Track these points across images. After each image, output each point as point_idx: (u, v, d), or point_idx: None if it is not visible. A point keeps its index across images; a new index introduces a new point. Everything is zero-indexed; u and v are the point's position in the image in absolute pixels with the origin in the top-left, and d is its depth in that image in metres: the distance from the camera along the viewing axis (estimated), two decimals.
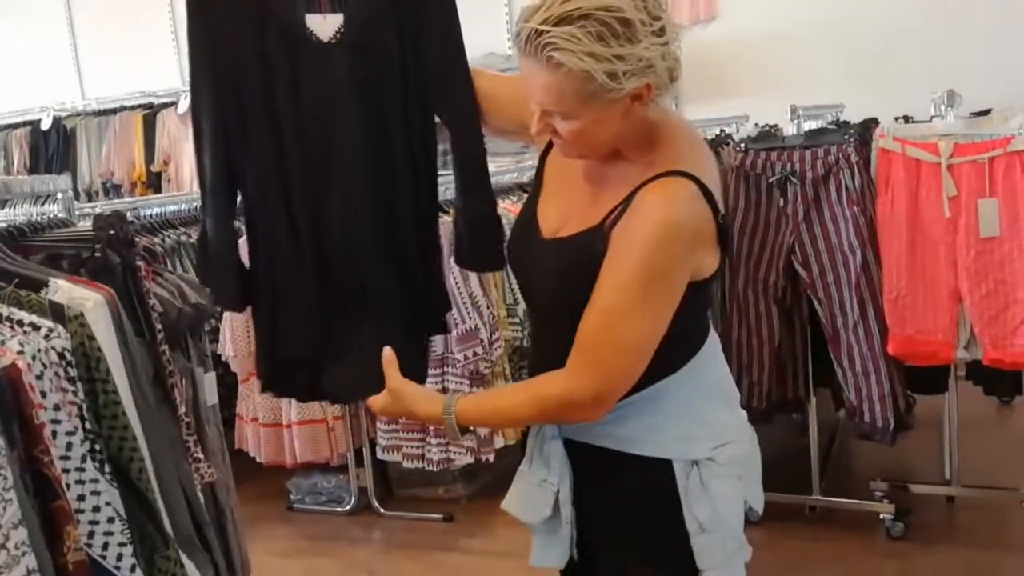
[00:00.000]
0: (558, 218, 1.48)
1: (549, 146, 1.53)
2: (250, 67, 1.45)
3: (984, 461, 3.50)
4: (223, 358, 3.40)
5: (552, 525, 1.52)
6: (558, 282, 1.45)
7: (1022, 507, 3.12)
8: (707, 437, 1.48)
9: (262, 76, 1.45)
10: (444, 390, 3.22)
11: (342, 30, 1.47)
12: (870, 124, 3.40)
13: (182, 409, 1.54)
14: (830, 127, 3.53)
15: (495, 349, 3.32)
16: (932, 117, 3.12)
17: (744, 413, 1.60)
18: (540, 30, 1.25)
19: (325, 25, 1.46)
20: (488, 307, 3.31)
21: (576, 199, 1.47)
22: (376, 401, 1.52)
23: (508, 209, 3.37)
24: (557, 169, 1.53)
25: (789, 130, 3.38)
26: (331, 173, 1.51)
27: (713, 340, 1.55)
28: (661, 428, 1.46)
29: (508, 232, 1.63)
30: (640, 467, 1.47)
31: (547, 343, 1.54)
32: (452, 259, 1.81)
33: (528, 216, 1.53)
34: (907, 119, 3.50)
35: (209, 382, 1.76)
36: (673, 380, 1.45)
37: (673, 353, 1.43)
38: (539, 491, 1.51)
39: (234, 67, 1.45)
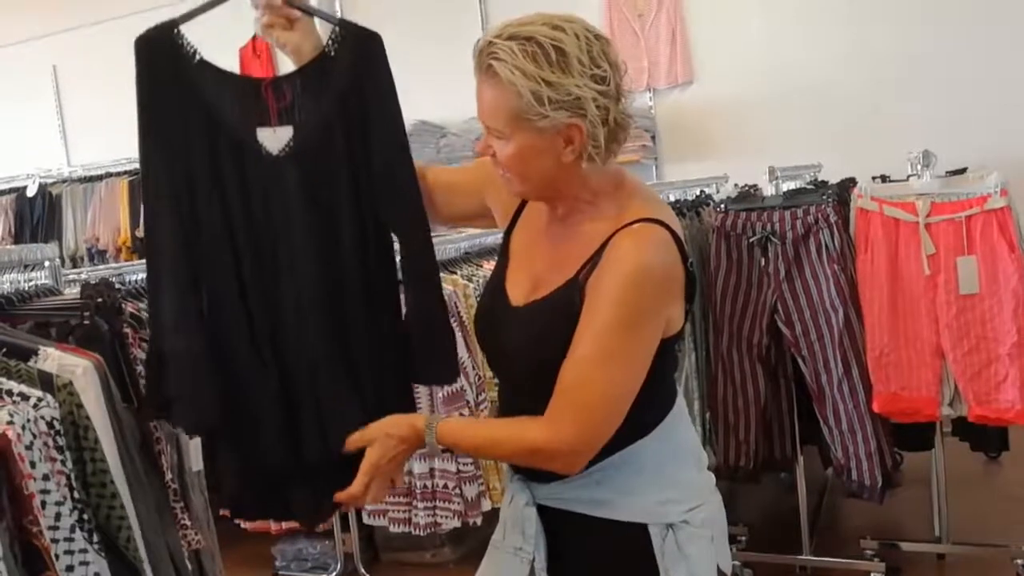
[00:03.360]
0: (527, 285, 1.49)
1: (513, 222, 1.58)
2: (202, 179, 1.42)
3: (973, 518, 3.50)
4: None
5: None
6: (535, 345, 1.43)
7: (1012, 564, 3.11)
8: (680, 499, 1.48)
9: (214, 188, 1.43)
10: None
11: (291, 143, 1.46)
12: (848, 184, 3.47)
13: (168, 475, 1.53)
14: (808, 187, 3.59)
15: (481, 410, 3.31)
16: (909, 176, 3.18)
17: (711, 475, 1.60)
18: (491, 42, 1.34)
19: (275, 138, 1.46)
20: (474, 368, 3.30)
21: (545, 264, 1.48)
22: (361, 474, 1.44)
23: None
24: (523, 242, 1.56)
25: (768, 190, 3.43)
26: (286, 285, 1.47)
27: (680, 402, 1.56)
28: (636, 491, 1.45)
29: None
30: (616, 532, 1.46)
31: (522, 407, 1.46)
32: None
33: (495, 288, 1.54)
34: (884, 178, 3.56)
35: (194, 448, 1.75)
36: (645, 443, 1.46)
37: (644, 416, 1.44)
38: (514, 560, 1.49)
39: (187, 179, 1.42)
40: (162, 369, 1.42)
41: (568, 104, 1.32)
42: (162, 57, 1.41)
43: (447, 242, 3.28)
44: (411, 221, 1.55)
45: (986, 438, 3.55)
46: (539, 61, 1.31)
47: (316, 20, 1.53)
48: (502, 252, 1.59)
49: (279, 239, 1.46)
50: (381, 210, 1.53)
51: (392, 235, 1.57)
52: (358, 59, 1.49)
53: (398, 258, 1.59)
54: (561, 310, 1.40)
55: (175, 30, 1.43)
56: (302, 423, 1.49)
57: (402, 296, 1.59)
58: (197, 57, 1.45)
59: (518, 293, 1.50)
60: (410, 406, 1.63)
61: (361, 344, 1.52)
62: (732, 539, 3.39)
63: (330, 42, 1.50)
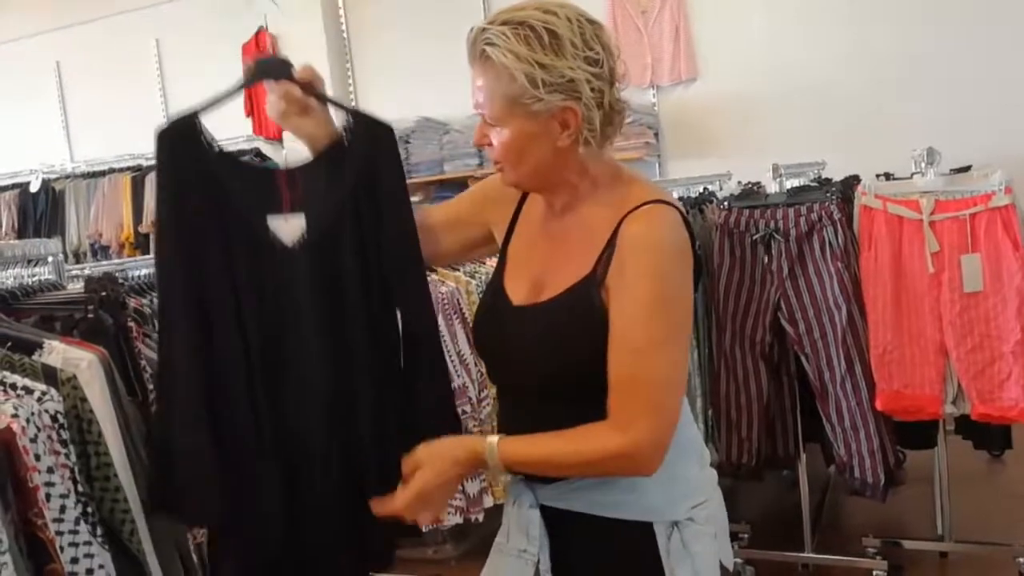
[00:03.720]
0: (528, 285, 1.48)
1: (510, 231, 1.57)
2: (215, 269, 1.42)
3: (976, 516, 3.50)
4: None
5: None
6: (550, 346, 1.41)
7: (1015, 563, 3.10)
8: (685, 496, 1.48)
9: (226, 278, 1.43)
10: None
11: (304, 233, 1.46)
12: (852, 181, 3.46)
13: None
14: (812, 185, 3.58)
15: (483, 407, 3.31)
16: (913, 174, 3.18)
17: (714, 471, 1.60)
18: (484, 28, 1.35)
19: (288, 227, 1.46)
20: (476, 364, 3.30)
21: (548, 263, 1.47)
22: (409, 490, 1.40)
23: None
24: (520, 245, 1.55)
25: (772, 188, 3.43)
26: (293, 376, 1.46)
27: (683, 400, 1.56)
28: (640, 490, 1.44)
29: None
30: (621, 532, 1.46)
31: (530, 417, 1.45)
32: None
33: (494, 291, 1.53)
34: (888, 176, 3.56)
35: None
36: None
37: None
38: (518, 562, 1.48)
39: (201, 268, 1.41)
40: (168, 464, 1.38)
41: (562, 87, 1.33)
42: (182, 148, 1.42)
43: None
44: (416, 303, 1.55)
45: (989, 436, 3.54)
46: (532, 44, 1.32)
47: (331, 108, 1.54)
48: (500, 259, 1.58)
49: (288, 329, 1.46)
50: (390, 298, 1.53)
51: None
52: (371, 150, 1.50)
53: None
54: (578, 309, 1.38)
55: (196, 121, 1.44)
56: (306, 514, 1.47)
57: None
58: (216, 148, 1.46)
59: (519, 294, 1.49)
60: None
61: (368, 436, 1.51)
62: (734, 536, 3.39)
63: (344, 131, 1.51)
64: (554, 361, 1.40)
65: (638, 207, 1.38)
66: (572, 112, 1.35)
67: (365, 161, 1.49)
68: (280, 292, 1.45)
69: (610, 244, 1.38)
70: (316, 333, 1.46)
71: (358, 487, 1.48)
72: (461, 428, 1.63)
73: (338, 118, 1.53)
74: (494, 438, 1.39)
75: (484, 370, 3.34)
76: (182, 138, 1.42)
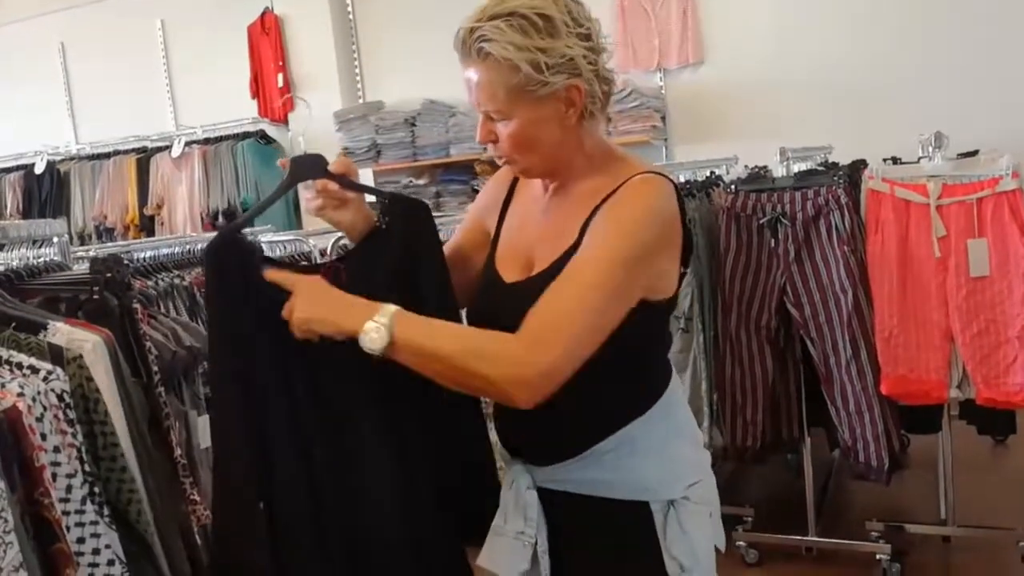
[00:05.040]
0: (521, 262, 1.49)
1: (501, 217, 1.58)
2: (267, 373, 1.42)
3: (980, 501, 3.50)
4: None
5: None
6: None
7: (1018, 547, 3.11)
8: (680, 476, 1.49)
9: (279, 380, 1.43)
10: None
11: None
12: (859, 166, 3.44)
13: (178, 451, 1.53)
14: (819, 169, 3.56)
15: None
16: (920, 158, 3.17)
17: (708, 453, 1.60)
18: (473, 27, 1.35)
19: None
20: None
21: (540, 240, 1.48)
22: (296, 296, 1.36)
23: None
24: (511, 227, 1.56)
25: (778, 172, 3.42)
26: (355, 469, 1.47)
27: (676, 380, 1.56)
28: (637, 470, 1.45)
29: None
30: (617, 511, 1.46)
31: None
32: None
33: (487, 273, 1.54)
34: (895, 160, 3.54)
35: (202, 425, 1.75)
36: (644, 421, 1.45)
37: (643, 393, 1.45)
38: (516, 544, 1.49)
39: (253, 375, 1.42)
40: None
41: (564, 67, 1.35)
42: (228, 261, 1.43)
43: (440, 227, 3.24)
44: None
45: (994, 421, 3.54)
46: (528, 32, 1.33)
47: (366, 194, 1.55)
48: (492, 244, 1.58)
49: (345, 424, 1.46)
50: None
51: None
52: (409, 230, 1.51)
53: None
54: None
55: (238, 234, 1.46)
56: None
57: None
58: (258, 254, 1.49)
59: (511, 272, 1.49)
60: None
61: (427, 522, 1.51)
62: (738, 520, 3.41)
63: (380, 215, 1.52)
64: None
65: (631, 177, 1.40)
66: (576, 89, 1.37)
67: (405, 243, 1.50)
68: (333, 386, 1.45)
69: (595, 211, 1.39)
70: (373, 428, 1.47)
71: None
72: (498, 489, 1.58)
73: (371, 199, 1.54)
74: (394, 311, 1.30)
75: None
76: (227, 252, 1.43)
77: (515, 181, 1.60)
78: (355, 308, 1.32)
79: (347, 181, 1.48)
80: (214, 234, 1.49)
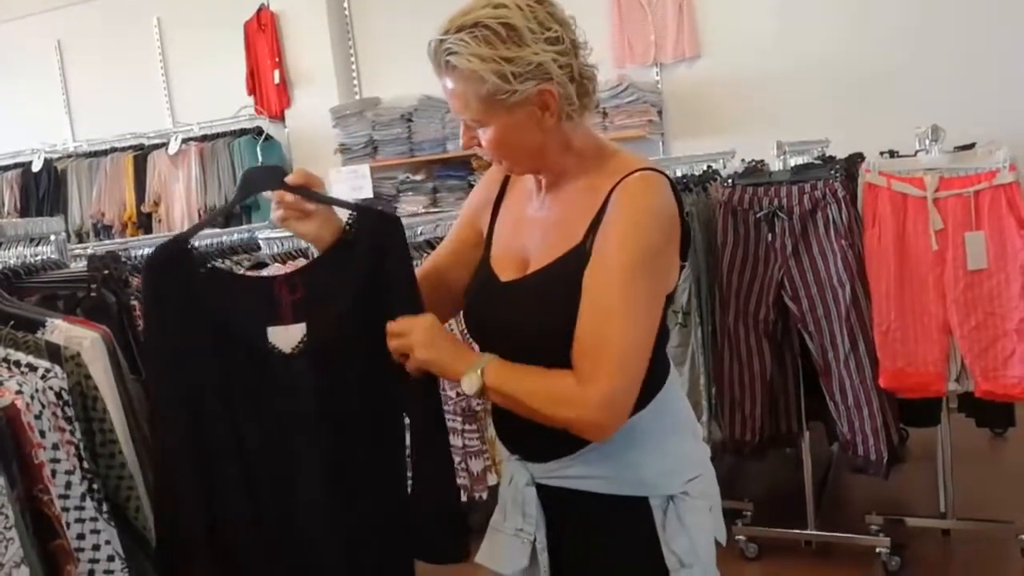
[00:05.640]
0: (518, 260, 1.49)
1: (493, 217, 1.58)
2: (210, 391, 1.38)
3: (979, 494, 3.50)
4: None
5: (528, 575, 1.50)
6: (537, 314, 1.42)
7: (1018, 540, 3.11)
8: (680, 471, 1.49)
9: (222, 397, 1.39)
10: None
11: (304, 339, 1.42)
12: (856, 159, 3.45)
13: None
14: (816, 162, 3.57)
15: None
16: (917, 151, 3.16)
17: (707, 447, 1.60)
18: (441, 39, 1.35)
19: (287, 336, 1.42)
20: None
21: (535, 239, 1.48)
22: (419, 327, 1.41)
23: None
24: (504, 227, 1.56)
25: (775, 166, 3.42)
26: (296, 489, 1.43)
27: (674, 374, 1.56)
28: (636, 465, 1.45)
29: None
30: (617, 507, 1.46)
31: None
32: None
33: (482, 273, 1.54)
34: (892, 154, 3.54)
35: None
36: (643, 416, 1.45)
37: (641, 387, 1.43)
38: (515, 541, 1.49)
39: (195, 394, 1.38)
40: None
41: (532, 73, 1.34)
42: (169, 276, 1.38)
43: (424, 223, 3.19)
44: (423, 412, 1.51)
45: (992, 414, 3.54)
46: (492, 42, 1.33)
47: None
48: (486, 244, 1.58)
49: (289, 440, 1.42)
50: (397, 402, 1.51)
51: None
52: (379, 246, 1.45)
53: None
54: (567, 277, 1.38)
55: (183, 246, 1.41)
56: None
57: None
58: (205, 268, 1.43)
59: (507, 271, 1.49)
60: None
61: (368, 544, 1.49)
62: (737, 514, 3.41)
63: (348, 227, 1.47)
64: (545, 329, 1.40)
65: (628, 175, 1.39)
66: (549, 93, 1.37)
67: (371, 259, 1.45)
68: (280, 402, 1.41)
69: (601, 212, 1.39)
70: (313, 442, 1.42)
71: None
72: (460, 533, 1.56)
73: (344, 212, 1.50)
74: (486, 361, 1.39)
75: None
76: (168, 265, 1.39)
77: (507, 179, 1.60)
78: (461, 355, 1.42)
79: (307, 192, 1.44)
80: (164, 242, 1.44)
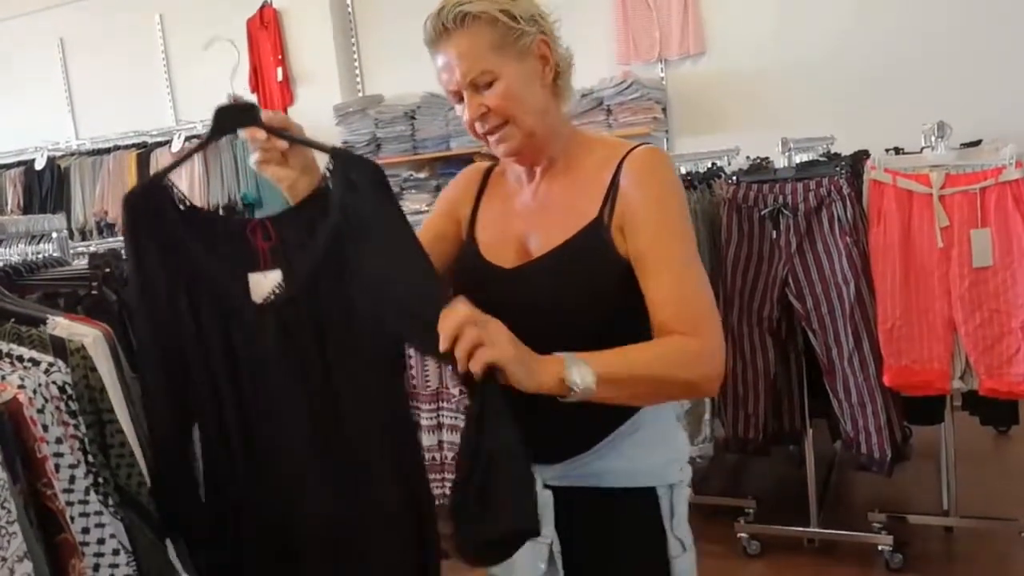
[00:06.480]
0: (515, 249, 1.48)
1: (473, 217, 1.58)
2: (188, 335, 1.33)
3: (982, 491, 3.50)
4: None
5: None
6: (563, 292, 1.41)
7: (1021, 538, 3.11)
8: (678, 459, 1.53)
9: (198, 343, 1.33)
10: (439, 425, 3.20)
11: (279, 288, 1.34)
12: (861, 156, 3.44)
13: None
14: (821, 159, 3.56)
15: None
16: (922, 148, 3.15)
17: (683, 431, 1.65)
18: (445, 2, 1.42)
19: (263, 284, 1.34)
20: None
21: (533, 226, 1.48)
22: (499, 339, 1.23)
23: None
24: (493, 221, 1.55)
25: (780, 163, 3.41)
26: (275, 442, 1.35)
27: None
28: (643, 457, 1.48)
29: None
30: (625, 500, 1.49)
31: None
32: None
33: (474, 268, 1.52)
34: (898, 151, 3.53)
35: None
36: (648, 409, 1.47)
37: None
38: (532, 546, 1.43)
39: (173, 336, 1.33)
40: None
41: (532, 20, 1.42)
42: (147, 214, 1.33)
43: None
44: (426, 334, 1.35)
45: (996, 412, 3.54)
46: None
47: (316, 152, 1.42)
48: (469, 242, 1.57)
49: (264, 392, 1.34)
50: (404, 335, 1.40)
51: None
52: (355, 191, 1.35)
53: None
54: (587, 250, 1.40)
55: (161, 183, 1.34)
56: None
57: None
58: (184, 207, 1.35)
59: (507, 259, 1.49)
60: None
61: (378, 495, 1.38)
62: (740, 511, 3.41)
63: (327, 173, 1.37)
64: (569, 304, 1.41)
65: (633, 149, 1.44)
66: (546, 44, 1.43)
67: (348, 204, 1.35)
68: (253, 353, 1.34)
69: (612, 186, 1.42)
70: (288, 394, 1.34)
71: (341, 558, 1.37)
72: (526, 485, 1.34)
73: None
74: (574, 357, 1.26)
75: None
76: (147, 203, 1.33)
77: (486, 177, 1.61)
78: (543, 360, 1.25)
79: (281, 132, 1.38)
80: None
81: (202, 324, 1.34)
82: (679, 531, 1.49)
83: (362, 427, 1.36)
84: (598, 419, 1.45)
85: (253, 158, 1.41)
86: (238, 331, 1.34)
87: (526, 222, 1.49)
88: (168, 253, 1.33)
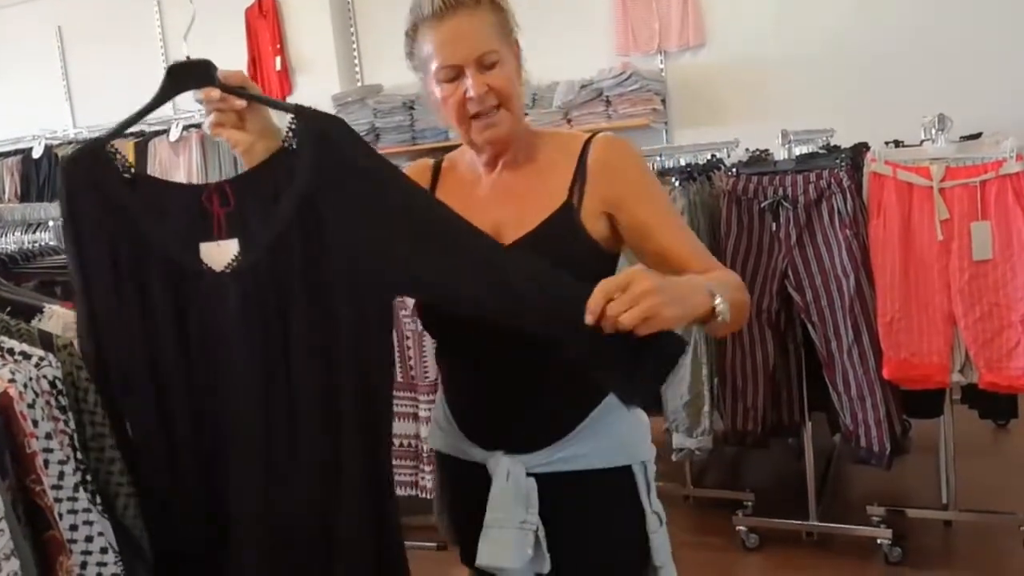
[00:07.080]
0: (491, 234, 1.43)
1: None
2: (131, 311, 1.24)
3: (981, 485, 3.49)
4: None
5: (532, 565, 1.49)
6: None
7: (1020, 531, 3.10)
8: (647, 436, 1.58)
9: (144, 318, 1.25)
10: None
11: (238, 257, 1.25)
12: (861, 148, 3.42)
13: None
14: (821, 152, 3.55)
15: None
16: (923, 141, 3.14)
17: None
18: None
19: (219, 253, 1.25)
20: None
21: (500, 215, 1.48)
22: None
23: None
24: (456, 208, 1.46)
25: (780, 155, 3.39)
26: (226, 425, 1.26)
27: None
28: (618, 435, 1.52)
29: None
30: (605, 480, 1.52)
31: (509, 369, 1.46)
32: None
33: None
34: (898, 143, 3.52)
35: None
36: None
37: None
38: (519, 534, 1.47)
39: (116, 312, 1.25)
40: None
41: (512, 15, 1.50)
42: (87, 182, 1.24)
43: None
44: (464, 278, 1.31)
45: (995, 406, 3.53)
46: None
47: (275, 113, 1.34)
48: None
49: (218, 369, 1.26)
50: (400, 288, 1.36)
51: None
52: (320, 151, 1.27)
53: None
54: (561, 233, 1.44)
55: (104, 148, 1.26)
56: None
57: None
58: (129, 174, 1.26)
59: None
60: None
61: (301, 487, 1.29)
62: (739, 504, 3.40)
63: (289, 133, 1.28)
64: None
65: (593, 135, 1.51)
66: (517, 44, 1.50)
67: (315, 166, 1.26)
68: (207, 326, 1.25)
69: (579, 172, 1.47)
70: (246, 369, 1.26)
71: (287, 551, 1.28)
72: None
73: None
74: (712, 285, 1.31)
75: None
76: (87, 170, 1.25)
77: (436, 172, 1.61)
78: (694, 293, 1.27)
79: (238, 91, 1.31)
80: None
81: (151, 295, 1.25)
82: (656, 506, 1.54)
83: (322, 407, 1.28)
84: (572, 404, 1.50)
85: (207, 120, 1.34)
86: (191, 303, 1.25)
87: (495, 210, 1.49)
88: (108, 221, 1.24)
